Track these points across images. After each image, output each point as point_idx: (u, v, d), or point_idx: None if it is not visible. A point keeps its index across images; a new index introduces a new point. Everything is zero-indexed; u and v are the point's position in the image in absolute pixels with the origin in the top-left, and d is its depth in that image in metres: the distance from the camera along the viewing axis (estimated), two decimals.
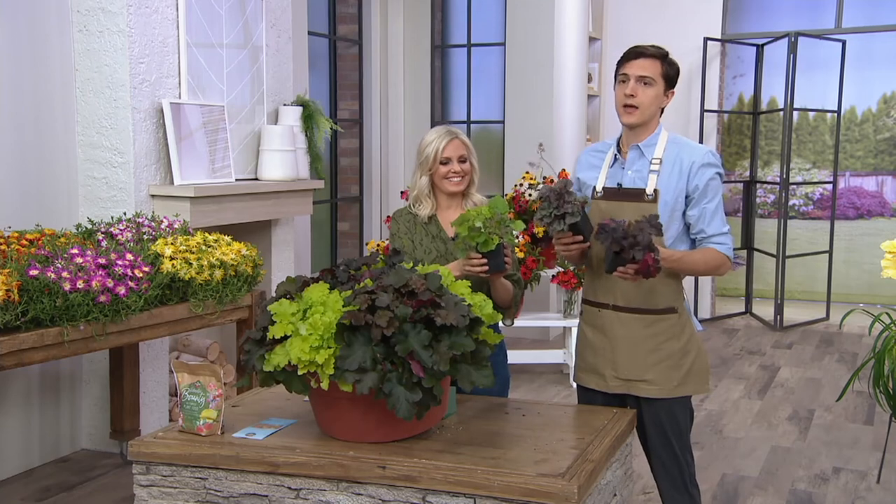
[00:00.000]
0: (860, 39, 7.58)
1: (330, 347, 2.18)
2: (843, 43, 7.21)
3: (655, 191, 2.59)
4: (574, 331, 5.31)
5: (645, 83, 2.57)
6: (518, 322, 5.67)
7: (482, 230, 2.57)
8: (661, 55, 2.61)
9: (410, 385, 2.17)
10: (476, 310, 2.32)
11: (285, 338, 2.23)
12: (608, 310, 2.67)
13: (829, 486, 3.91)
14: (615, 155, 2.70)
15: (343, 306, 2.23)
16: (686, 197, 2.62)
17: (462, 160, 2.90)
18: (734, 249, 2.76)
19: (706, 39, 7.29)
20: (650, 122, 2.63)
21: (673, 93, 2.64)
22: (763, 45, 7.52)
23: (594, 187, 2.71)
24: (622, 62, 2.63)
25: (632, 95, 2.57)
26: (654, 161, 2.61)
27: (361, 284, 2.31)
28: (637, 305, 2.64)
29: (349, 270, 2.44)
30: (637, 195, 2.61)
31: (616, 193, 2.66)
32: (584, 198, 2.58)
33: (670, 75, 2.61)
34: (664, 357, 2.63)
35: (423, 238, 2.93)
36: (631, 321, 2.64)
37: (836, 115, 7.41)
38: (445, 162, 2.89)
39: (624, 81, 2.60)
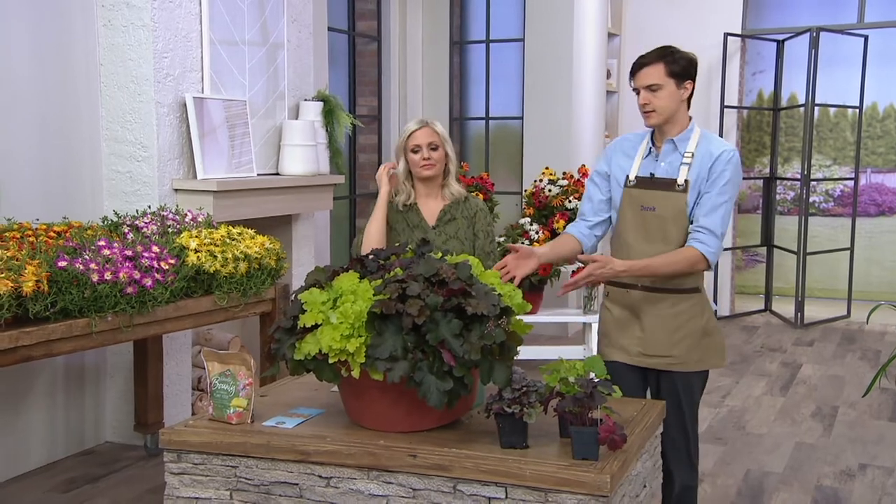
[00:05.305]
0: (882, 35, 7.51)
1: (361, 336, 2.17)
2: (866, 38, 7.15)
3: (686, 181, 2.71)
4: (594, 327, 5.29)
5: (652, 90, 2.70)
6: (537, 318, 5.67)
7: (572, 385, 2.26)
8: (661, 57, 2.70)
9: (441, 374, 2.16)
10: (506, 299, 2.31)
11: (315, 326, 2.23)
12: (637, 290, 2.79)
13: (855, 483, 3.88)
14: (649, 147, 2.81)
15: (373, 295, 2.22)
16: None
17: (433, 147, 2.99)
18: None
19: (726, 35, 7.24)
20: (676, 118, 2.74)
21: (691, 83, 2.73)
22: (783, 40, 7.47)
23: (627, 175, 2.82)
24: (631, 76, 2.77)
25: (646, 104, 2.72)
26: (686, 154, 2.73)
27: (391, 274, 2.31)
28: (664, 286, 2.77)
29: (378, 260, 2.44)
30: (669, 185, 2.74)
31: (648, 182, 2.77)
32: None
33: (677, 71, 2.69)
34: (686, 335, 2.77)
35: (404, 227, 3.03)
36: (658, 300, 2.78)
37: (857, 111, 7.35)
38: (416, 150, 2.99)
39: (637, 93, 2.75)
